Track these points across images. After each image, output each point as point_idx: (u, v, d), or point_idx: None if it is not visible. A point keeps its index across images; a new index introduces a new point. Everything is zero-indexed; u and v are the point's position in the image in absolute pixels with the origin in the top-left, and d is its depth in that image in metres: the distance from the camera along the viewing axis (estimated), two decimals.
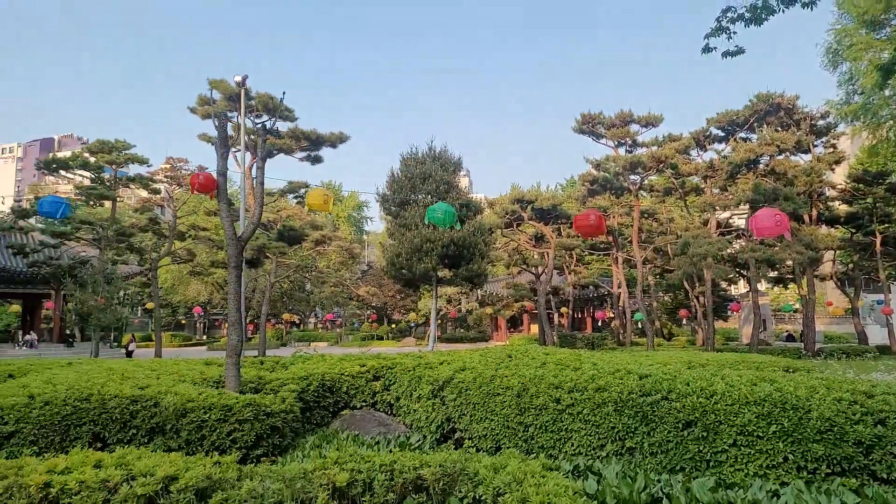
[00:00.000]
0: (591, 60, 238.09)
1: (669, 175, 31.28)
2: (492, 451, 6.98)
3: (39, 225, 35.37)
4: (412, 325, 57.19)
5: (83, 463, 5.13)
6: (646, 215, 35.90)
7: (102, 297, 22.16)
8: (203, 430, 6.80)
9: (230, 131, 24.98)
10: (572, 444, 6.31)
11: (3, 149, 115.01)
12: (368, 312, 60.20)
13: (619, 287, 37.62)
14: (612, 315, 47.93)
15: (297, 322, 68.04)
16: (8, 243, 30.28)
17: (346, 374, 9.09)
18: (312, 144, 26.10)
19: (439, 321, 55.60)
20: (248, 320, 53.28)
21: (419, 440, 7.57)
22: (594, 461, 5.94)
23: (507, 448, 6.93)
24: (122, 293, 29.60)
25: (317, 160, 27.39)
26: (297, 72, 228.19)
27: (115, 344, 49.60)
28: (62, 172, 26.91)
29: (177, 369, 8.86)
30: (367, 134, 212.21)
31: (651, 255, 35.98)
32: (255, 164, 8.06)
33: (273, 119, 24.52)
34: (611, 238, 36.30)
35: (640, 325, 44.44)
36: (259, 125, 12.61)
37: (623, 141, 31.74)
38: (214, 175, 8.06)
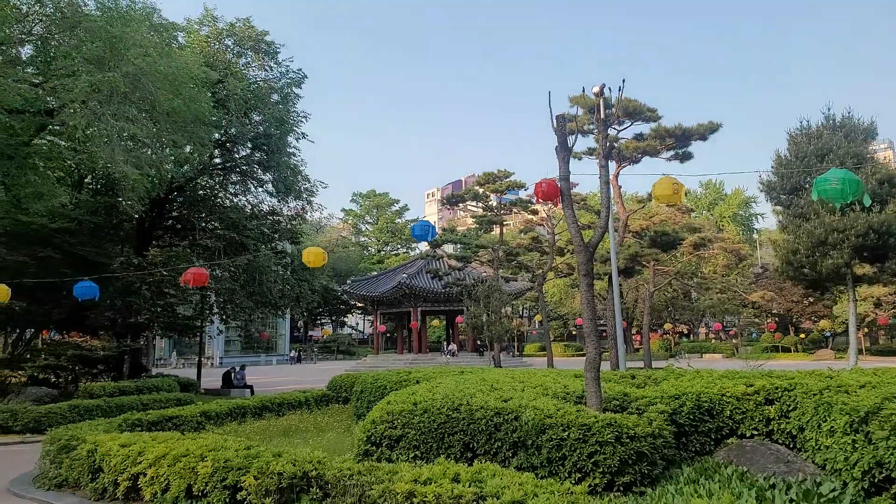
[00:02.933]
0: None
1: None
2: None
3: (451, 252, 42.27)
4: (827, 334, 47.41)
5: (443, 475, 5.18)
6: None
7: (493, 310, 24.73)
8: (563, 450, 6.34)
9: (593, 143, 25.11)
10: None
11: (428, 193, 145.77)
12: (767, 321, 52.55)
13: None
14: None
15: (686, 332, 64.25)
16: (427, 269, 37.02)
17: (727, 394, 7.47)
18: (679, 141, 24.04)
19: (865, 329, 44.56)
20: (632, 331, 52.71)
21: (835, 490, 5.53)
22: None
23: None
24: (509, 307, 32.64)
25: (686, 157, 25.11)
26: (659, 68, 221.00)
27: (517, 353, 55.40)
28: (461, 205, 31.54)
29: (542, 381, 8.74)
30: (751, 120, 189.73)
31: None
32: (600, 162, 7.42)
33: (633, 122, 23.59)
34: None
35: None
36: (603, 118, 11.93)
37: None
38: (558, 182, 7.70)
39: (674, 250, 31.17)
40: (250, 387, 23.16)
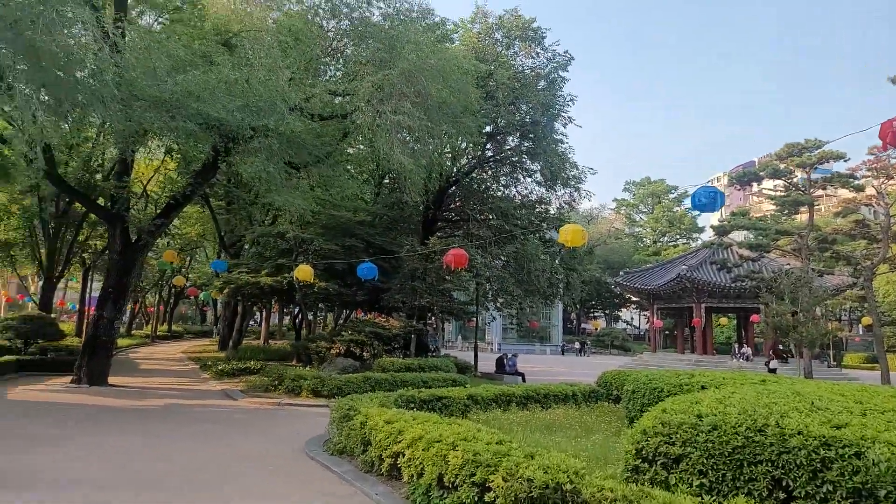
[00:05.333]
0: None
1: None
2: None
3: (742, 240, 36.91)
4: None
5: None
6: None
7: (802, 309, 20.32)
8: None
9: None
10: None
11: (713, 179, 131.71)
12: None
13: None
14: None
15: None
16: (712, 260, 32.75)
17: None
18: None
19: None
20: None
21: None
22: None
23: None
24: (825, 306, 26.76)
25: None
26: None
27: (834, 363, 45.94)
28: (754, 187, 26.99)
29: (894, 405, 6.24)
30: None
31: None
32: None
33: None
34: None
35: None
36: None
37: None
38: None
39: None
40: (521, 374, 23.27)
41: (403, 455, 6.69)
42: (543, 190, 25.58)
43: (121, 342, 32.69)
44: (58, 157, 16.05)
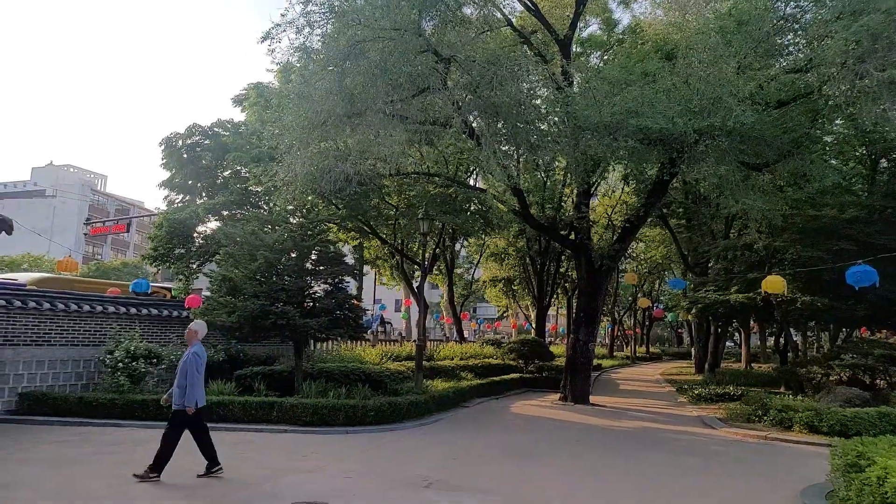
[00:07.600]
0: None
1: None
2: None
3: None
4: None
5: None
6: None
7: None
8: None
9: None
10: None
11: None
12: None
13: None
14: None
15: None
16: None
17: None
18: None
19: None
20: None
21: None
22: None
23: None
24: None
25: None
26: None
27: None
28: None
29: None
30: None
31: None
32: None
33: None
34: None
35: None
36: None
37: None
38: None
39: None
40: None
41: None
42: None
43: (604, 363, 35.20)
44: (532, 199, 18.55)
